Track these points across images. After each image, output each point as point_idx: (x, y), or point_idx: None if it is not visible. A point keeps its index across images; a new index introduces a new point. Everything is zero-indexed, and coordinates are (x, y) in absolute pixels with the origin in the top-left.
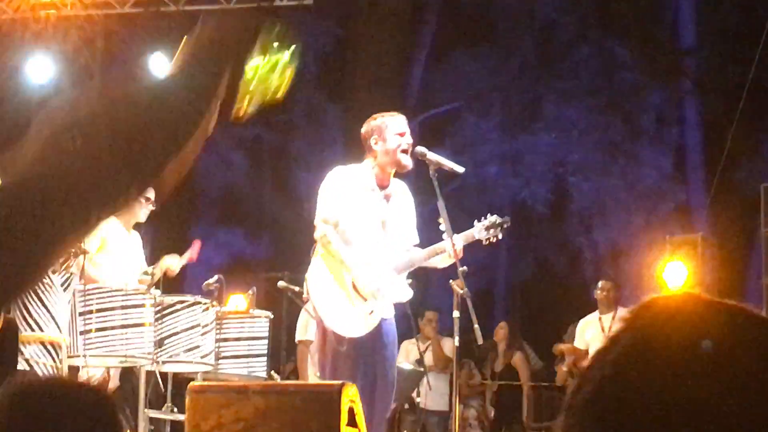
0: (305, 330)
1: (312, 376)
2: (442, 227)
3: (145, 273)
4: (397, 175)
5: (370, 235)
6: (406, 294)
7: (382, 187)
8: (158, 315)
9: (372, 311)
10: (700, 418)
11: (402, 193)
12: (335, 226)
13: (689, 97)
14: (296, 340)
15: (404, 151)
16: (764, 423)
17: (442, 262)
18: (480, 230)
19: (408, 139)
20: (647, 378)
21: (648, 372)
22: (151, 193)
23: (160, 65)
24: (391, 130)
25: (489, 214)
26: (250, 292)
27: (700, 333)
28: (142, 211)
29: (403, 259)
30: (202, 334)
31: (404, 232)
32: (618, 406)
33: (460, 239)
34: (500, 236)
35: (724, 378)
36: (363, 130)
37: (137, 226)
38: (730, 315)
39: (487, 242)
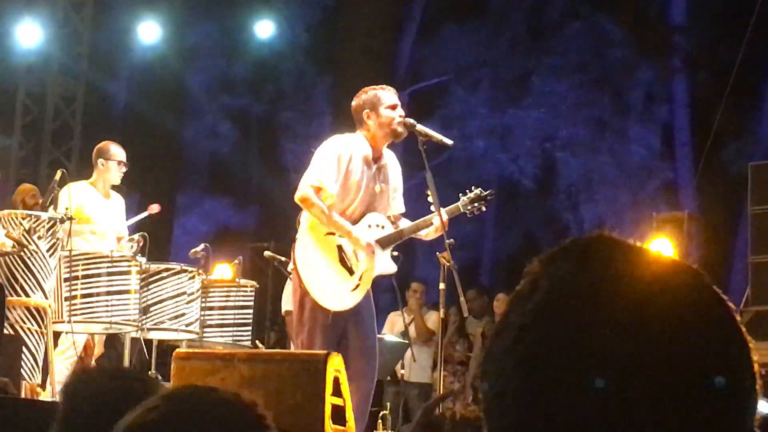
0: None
1: None
2: (430, 199)
3: (131, 240)
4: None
5: (361, 205)
6: (391, 267)
7: (376, 159)
8: (144, 282)
9: (357, 285)
10: (620, 370)
11: (392, 163)
12: (319, 191)
13: (678, 74)
14: (283, 310)
15: (399, 123)
16: (685, 375)
17: (428, 234)
18: (465, 203)
19: (400, 111)
20: (568, 327)
21: (569, 321)
22: (124, 157)
23: (149, 33)
24: (383, 104)
25: (473, 187)
26: (236, 261)
27: (621, 278)
28: (117, 174)
29: (390, 232)
30: (188, 302)
31: (392, 201)
32: (537, 353)
33: (445, 212)
34: (484, 209)
35: (649, 328)
36: (354, 103)
37: (119, 189)
38: (646, 256)
39: (471, 215)
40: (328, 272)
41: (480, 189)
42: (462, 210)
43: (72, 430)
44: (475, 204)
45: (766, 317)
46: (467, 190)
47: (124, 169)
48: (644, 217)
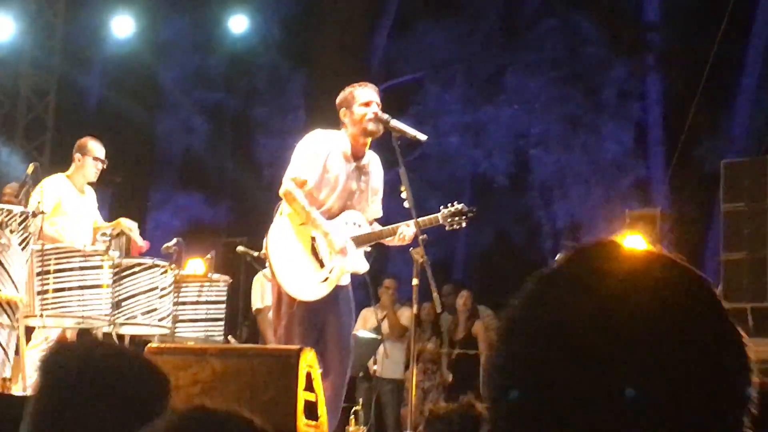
0: (261, 298)
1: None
2: (404, 195)
3: (104, 234)
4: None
5: (338, 201)
6: (363, 266)
7: (357, 157)
8: (116, 277)
9: (326, 278)
10: (591, 361)
11: (375, 165)
12: (303, 185)
13: (652, 72)
14: (253, 308)
15: (370, 120)
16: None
17: (392, 240)
18: (444, 216)
19: (374, 108)
20: (549, 320)
21: (551, 312)
22: (101, 153)
23: (122, 27)
24: (357, 101)
25: (456, 202)
26: (209, 256)
27: (613, 278)
28: (93, 171)
29: (364, 232)
30: (160, 297)
31: (370, 205)
32: (525, 344)
33: (423, 221)
34: (464, 225)
35: (631, 325)
36: (336, 102)
37: (93, 186)
38: (644, 261)
39: (451, 228)
40: (298, 261)
41: (462, 205)
42: (441, 222)
43: (51, 402)
44: (455, 218)
45: (738, 315)
46: (449, 204)
47: (100, 166)
48: (617, 214)
